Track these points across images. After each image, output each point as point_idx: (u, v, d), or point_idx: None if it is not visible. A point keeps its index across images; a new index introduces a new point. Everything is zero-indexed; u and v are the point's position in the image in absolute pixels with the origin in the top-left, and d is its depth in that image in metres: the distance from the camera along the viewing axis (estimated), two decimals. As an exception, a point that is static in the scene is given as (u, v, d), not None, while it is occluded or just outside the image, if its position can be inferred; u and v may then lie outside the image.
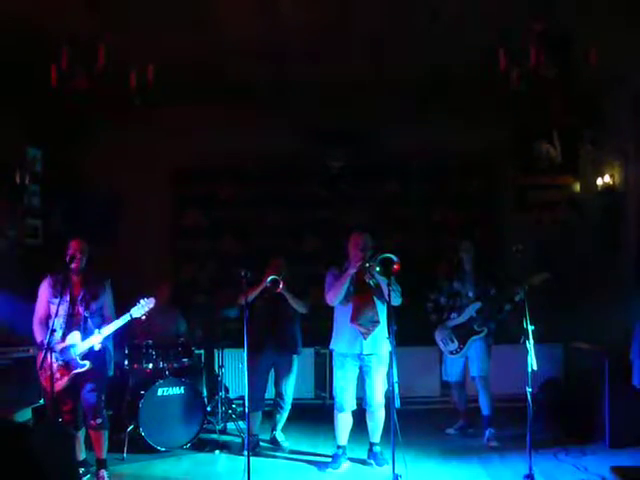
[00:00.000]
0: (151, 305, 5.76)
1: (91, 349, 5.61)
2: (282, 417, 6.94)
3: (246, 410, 5.85)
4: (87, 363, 5.58)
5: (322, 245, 8.99)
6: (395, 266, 5.61)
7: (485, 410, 6.88)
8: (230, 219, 9.14)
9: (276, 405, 6.94)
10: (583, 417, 6.84)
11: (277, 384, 6.90)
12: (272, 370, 6.88)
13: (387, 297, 5.68)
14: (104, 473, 5.74)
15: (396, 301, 5.92)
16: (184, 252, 9.11)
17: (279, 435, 6.96)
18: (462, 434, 7.14)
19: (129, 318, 5.70)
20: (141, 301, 5.75)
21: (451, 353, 6.98)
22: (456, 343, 6.91)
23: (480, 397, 6.90)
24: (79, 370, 5.58)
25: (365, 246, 6.04)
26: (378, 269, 5.69)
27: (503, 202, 9.11)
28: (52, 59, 5.60)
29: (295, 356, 6.89)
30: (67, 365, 5.58)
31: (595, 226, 8.49)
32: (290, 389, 6.88)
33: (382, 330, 6.00)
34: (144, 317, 5.79)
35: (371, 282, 6.05)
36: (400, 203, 9.14)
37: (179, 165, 9.00)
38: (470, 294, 6.92)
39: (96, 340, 5.58)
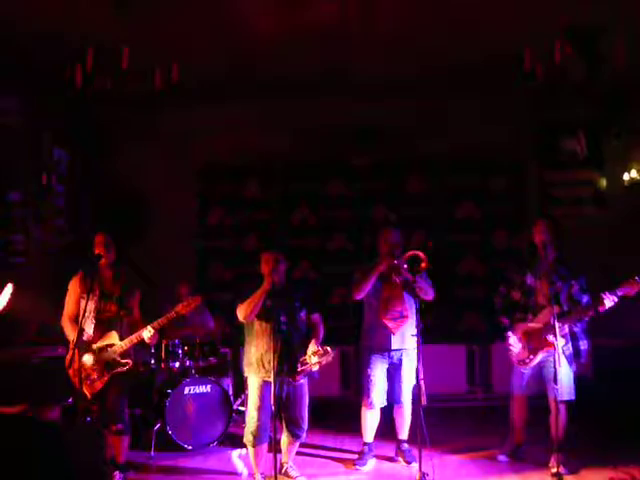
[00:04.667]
0: (198, 302, 5.69)
1: (133, 348, 5.63)
2: (294, 447, 5.88)
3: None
4: (129, 361, 5.57)
5: (348, 244, 8.99)
6: (423, 264, 5.61)
7: (557, 431, 5.58)
8: (255, 218, 9.17)
9: (289, 433, 5.75)
10: (613, 416, 6.72)
11: (287, 408, 5.65)
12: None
13: (420, 293, 5.72)
14: (119, 476, 5.66)
15: (429, 295, 5.91)
16: (209, 250, 9.15)
17: (291, 470, 5.89)
18: (515, 458, 6.13)
19: (175, 315, 5.63)
20: (187, 299, 5.71)
21: (518, 363, 5.89)
22: (526, 352, 5.80)
23: (552, 419, 5.64)
24: (121, 369, 5.55)
25: (396, 242, 6.04)
26: (406, 266, 5.70)
27: (528, 198, 9.05)
28: (78, 60, 5.65)
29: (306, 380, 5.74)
30: (107, 365, 5.54)
31: (621, 221, 8.41)
32: (306, 415, 5.74)
33: (411, 326, 5.94)
34: (187, 314, 5.76)
35: (397, 280, 6.03)
36: (424, 200, 9.12)
37: (204, 163, 9.06)
38: (545, 292, 5.69)
39: (146, 336, 5.54)
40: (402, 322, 5.98)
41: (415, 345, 5.71)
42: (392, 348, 6.02)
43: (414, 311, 5.86)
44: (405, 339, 6.00)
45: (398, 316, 5.99)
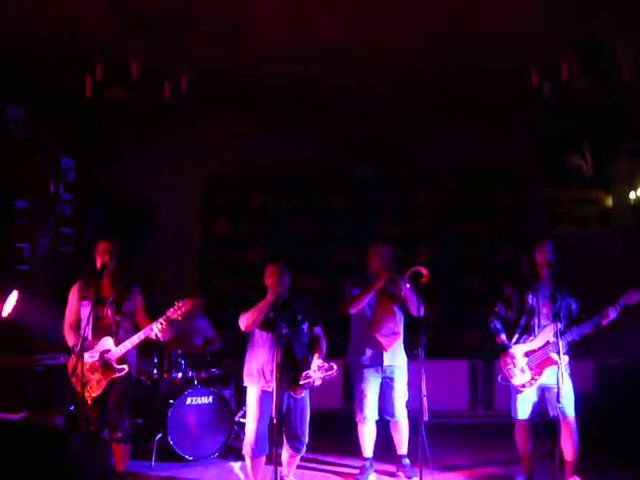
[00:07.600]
0: (188, 307, 5.62)
1: (128, 354, 5.64)
2: (295, 460, 5.85)
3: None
4: (125, 367, 5.60)
5: (352, 257, 8.99)
6: (424, 278, 5.62)
7: (569, 455, 5.60)
8: (260, 229, 9.19)
9: (289, 446, 5.70)
10: (621, 438, 6.62)
11: (287, 421, 5.58)
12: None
13: (412, 309, 5.86)
14: None
15: (418, 311, 5.83)
16: (213, 262, 9.17)
17: None
18: None
19: (167, 320, 5.59)
20: (177, 303, 5.63)
21: (522, 386, 5.68)
22: (528, 374, 5.63)
23: (564, 439, 5.55)
24: (117, 375, 5.58)
25: (388, 258, 6.08)
26: (408, 285, 5.72)
27: (533, 216, 9.04)
28: (87, 70, 5.69)
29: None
30: (105, 370, 5.59)
31: (628, 240, 8.40)
32: (306, 428, 5.68)
33: (400, 343, 6.08)
34: (180, 319, 5.68)
35: (399, 294, 6.03)
36: (428, 215, 9.13)
37: (210, 174, 9.08)
38: (544, 311, 5.67)
39: (135, 342, 5.57)
40: (394, 338, 6.02)
41: (405, 361, 6.00)
42: (385, 364, 6.03)
43: (402, 327, 6.07)
44: (397, 355, 6.05)
45: (390, 333, 6.01)
